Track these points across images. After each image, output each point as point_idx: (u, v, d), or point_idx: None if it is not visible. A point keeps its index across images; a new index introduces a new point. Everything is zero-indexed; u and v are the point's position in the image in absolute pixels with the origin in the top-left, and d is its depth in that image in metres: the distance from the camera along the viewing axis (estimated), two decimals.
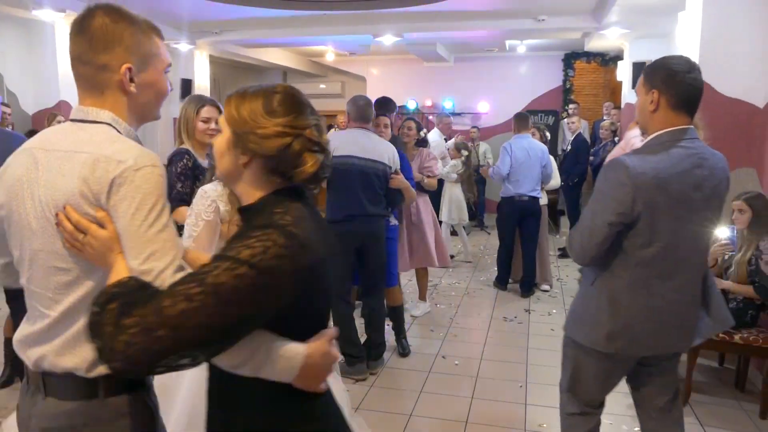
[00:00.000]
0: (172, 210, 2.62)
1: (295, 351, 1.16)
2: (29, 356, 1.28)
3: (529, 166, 5.40)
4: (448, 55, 10.06)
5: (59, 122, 6.37)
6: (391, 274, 4.07)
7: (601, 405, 2.27)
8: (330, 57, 10.33)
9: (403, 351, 4.10)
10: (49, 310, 1.24)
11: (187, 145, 2.85)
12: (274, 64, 10.29)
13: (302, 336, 1.19)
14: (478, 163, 8.19)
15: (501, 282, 5.79)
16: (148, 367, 1.03)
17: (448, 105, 10.43)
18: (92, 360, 1.20)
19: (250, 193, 1.24)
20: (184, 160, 2.78)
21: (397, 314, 4.17)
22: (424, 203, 4.69)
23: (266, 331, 1.15)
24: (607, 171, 1.97)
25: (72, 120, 1.29)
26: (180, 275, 1.11)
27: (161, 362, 1.02)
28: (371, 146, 3.64)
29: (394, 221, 4.06)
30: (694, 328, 2.06)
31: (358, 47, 9.47)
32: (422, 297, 5.04)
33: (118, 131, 1.27)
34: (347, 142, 3.63)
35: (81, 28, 1.26)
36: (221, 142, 1.25)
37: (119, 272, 1.14)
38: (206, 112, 2.82)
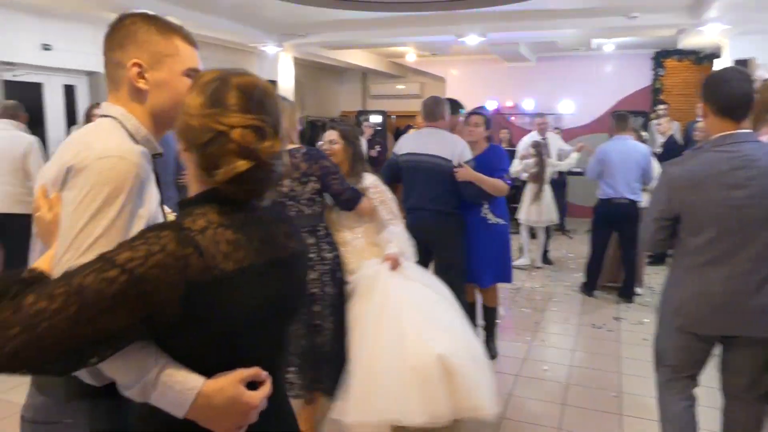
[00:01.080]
0: (359, 201, 2.91)
1: (187, 384, 1.01)
2: None
3: (625, 169, 5.16)
4: (531, 54, 9.87)
5: None
6: (487, 274, 3.94)
7: (690, 378, 2.36)
8: (411, 57, 10.37)
9: (492, 353, 4.06)
10: None
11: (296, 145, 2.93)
12: (354, 65, 10.44)
13: (212, 369, 1.03)
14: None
15: (588, 288, 5.63)
16: (12, 371, 0.92)
17: (528, 106, 10.23)
18: None
19: (191, 186, 1.14)
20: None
21: (489, 316, 4.12)
22: None
23: (164, 353, 1.02)
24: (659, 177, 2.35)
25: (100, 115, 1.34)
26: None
27: (14, 364, 0.91)
28: (434, 143, 3.71)
29: (494, 218, 3.89)
30: (756, 315, 2.13)
31: (440, 48, 9.45)
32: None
33: (124, 126, 1.26)
34: (411, 141, 3.87)
35: (110, 29, 1.31)
36: None
37: (44, 260, 1.10)
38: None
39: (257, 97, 1.08)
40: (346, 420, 2.50)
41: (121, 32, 1.28)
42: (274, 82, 8.96)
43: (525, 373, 3.87)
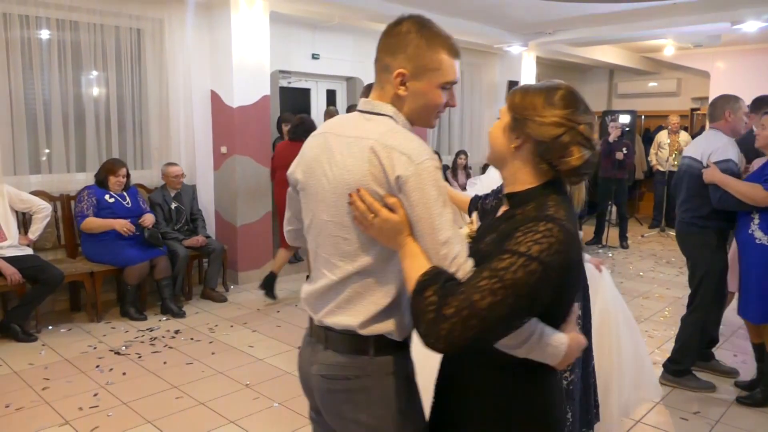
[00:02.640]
0: None
1: (560, 340, 1.28)
2: (314, 311, 1.49)
3: None
4: None
5: None
6: (752, 305, 3.28)
7: None
8: (669, 51, 9.43)
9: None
10: (331, 273, 1.42)
11: None
12: (599, 62, 9.84)
13: (557, 323, 1.31)
14: None
15: None
16: (461, 348, 1.17)
17: None
18: (365, 320, 1.37)
19: (517, 178, 1.36)
20: None
21: (760, 355, 3.49)
22: None
23: (536, 318, 1.27)
24: None
25: (359, 111, 1.45)
26: (470, 263, 1.26)
27: (470, 344, 1.17)
28: (695, 143, 3.55)
29: (762, 237, 3.20)
30: None
31: (707, 38, 8.41)
32: None
33: (397, 123, 1.40)
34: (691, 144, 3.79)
35: (387, 30, 1.43)
36: (498, 126, 1.38)
37: (414, 255, 1.29)
38: None
39: (585, 103, 1.35)
40: None
41: (395, 39, 1.39)
42: (515, 83, 8.88)
43: None
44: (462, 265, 1.25)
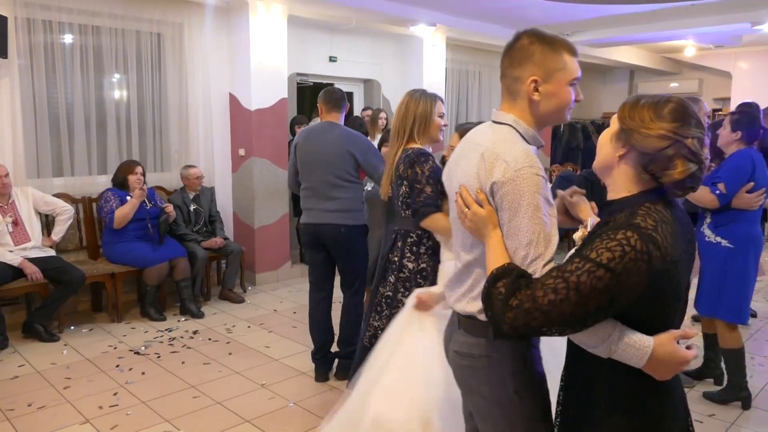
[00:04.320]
0: (426, 216, 2.62)
1: (642, 343, 1.30)
2: (448, 297, 1.73)
3: None
4: None
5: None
6: (703, 298, 3.48)
7: None
8: (689, 52, 9.32)
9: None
10: (459, 261, 1.67)
11: (419, 144, 2.76)
12: (620, 62, 9.76)
13: (653, 329, 1.32)
14: None
15: None
16: (525, 335, 1.35)
17: None
18: (482, 308, 1.48)
19: (619, 185, 1.40)
20: (430, 161, 2.67)
21: (722, 357, 3.56)
22: None
23: (618, 321, 1.32)
24: None
25: (492, 121, 1.64)
26: (549, 267, 1.38)
27: (534, 333, 1.33)
28: None
29: (712, 236, 3.40)
30: None
31: (728, 39, 8.30)
32: None
33: (518, 131, 1.55)
34: None
35: (508, 48, 1.58)
36: (606, 134, 1.43)
37: (496, 247, 1.45)
38: (441, 107, 2.80)
39: (697, 117, 1.34)
40: None
41: (519, 53, 1.54)
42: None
43: None
44: (539, 268, 1.40)
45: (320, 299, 3.73)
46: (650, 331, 1.32)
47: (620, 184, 1.40)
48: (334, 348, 3.78)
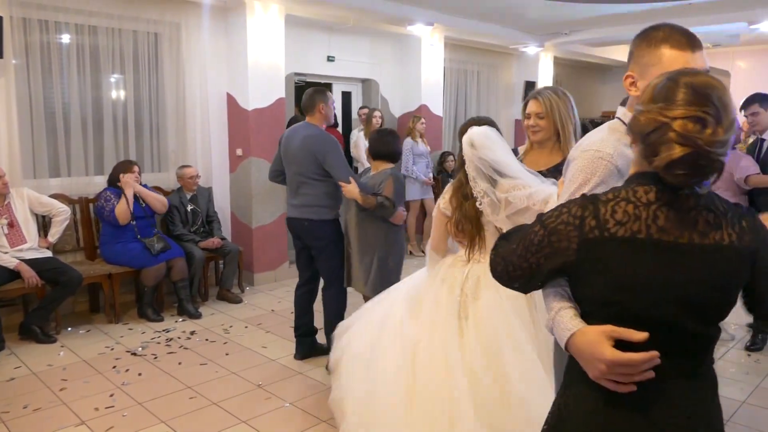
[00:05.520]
0: None
1: (567, 325, 1.26)
2: None
3: None
4: None
5: (422, 123, 7.13)
6: None
7: None
8: None
9: None
10: None
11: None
12: (618, 61, 9.76)
13: (608, 322, 1.22)
14: None
15: None
16: (500, 281, 1.45)
17: None
18: None
19: (630, 172, 1.34)
20: None
21: None
22: None
23: (570, 301, 1.31)
24: None
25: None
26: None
27: (504, 281, 1.43)
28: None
29: None
30: None
31: (725, 38, 8.31)
32: None
33: (624, 123, 1.58)
34: None
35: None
36: None
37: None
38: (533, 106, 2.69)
39: (703, 91, 1.16)
40: None
41: (629, 53, 1.59)
42: (532, 83, 8.84)
43: None
44: None
45: (299, 285, 4.05)
46: (599, 322, 1.23)
47: (631, 170, 1.33)
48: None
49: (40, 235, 4.60)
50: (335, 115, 4.38)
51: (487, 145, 2.46)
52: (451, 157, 7.65)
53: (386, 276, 3.52)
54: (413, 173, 6.89)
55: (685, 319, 1.20)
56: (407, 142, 6.93)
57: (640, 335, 1.17)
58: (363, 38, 7.26)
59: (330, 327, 3.60)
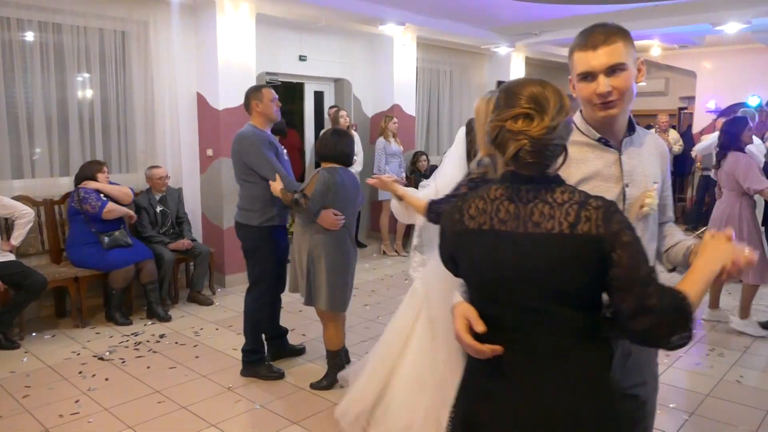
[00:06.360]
0: None
1: (455, 298, 1.47)
2: None
3: None
4: None
5: (395, 123, 7.13)
6: None
7: None
8: (655, 52, 9.47)
9: None
10: None
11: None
12: None
13: (474, 303, 1.43)
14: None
15: None
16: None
17: (753, 101, 8.59)
18: None
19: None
20: None
21: None
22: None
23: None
24: None
25: None
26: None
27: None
28: None
29: None
30: None
31: (691, 39, 8.48)
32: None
33: (575, 124, 1.67)
34: None
35: None
36: None
37: None
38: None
39: (525, 94, 1.33)
40: None
41: None
42: (504, 83, 8.89)
43: None
44: None
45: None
46: (471, 295, 1.46)
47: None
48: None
49: (2, 238, 4.48)
50: (282, 113, 4.02)
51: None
52: (423, 157, 7.67)
53: (336, 285, 3.38)
54: (386, 173, 6.90)
55: (529, 299, 1.33)
56: (380, 142, 6.94)
57: (479, 328, 1.35)
58: (335, 38, 7.23)
59: (246, 329, 3.74)
